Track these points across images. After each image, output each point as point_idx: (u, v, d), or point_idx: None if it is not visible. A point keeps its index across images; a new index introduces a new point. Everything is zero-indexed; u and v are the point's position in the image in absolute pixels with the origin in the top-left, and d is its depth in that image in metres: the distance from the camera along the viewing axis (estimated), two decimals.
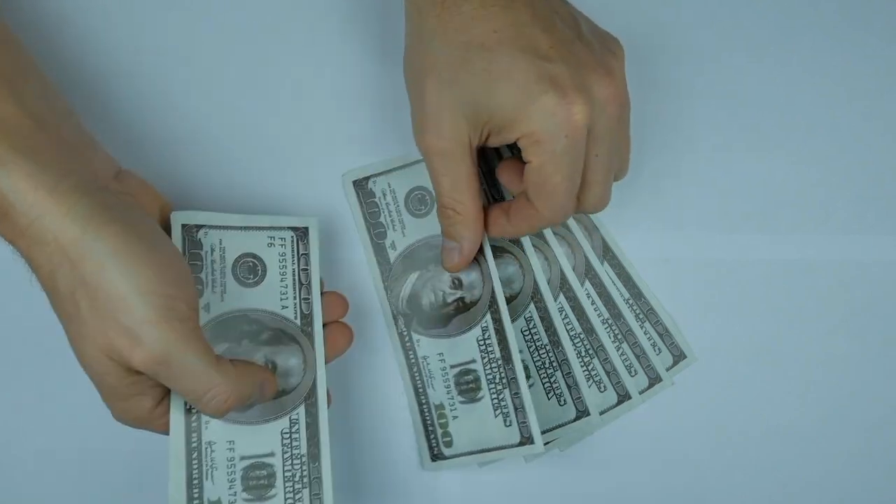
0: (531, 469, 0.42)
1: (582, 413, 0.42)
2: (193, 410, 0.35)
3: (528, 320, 0.42)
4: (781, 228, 0.45)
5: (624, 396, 0.43)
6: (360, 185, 0.42)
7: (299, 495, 0.35)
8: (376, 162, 0.43)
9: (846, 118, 0.46)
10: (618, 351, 0.43)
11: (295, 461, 0.35)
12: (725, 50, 0.46)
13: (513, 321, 0.41)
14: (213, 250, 0.37)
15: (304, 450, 0.36)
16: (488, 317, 0.41)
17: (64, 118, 0.34)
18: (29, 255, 0.31)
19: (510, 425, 0.39)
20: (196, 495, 0.34)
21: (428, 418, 0.41)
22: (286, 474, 0.35)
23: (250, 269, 0.37)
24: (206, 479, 0.34)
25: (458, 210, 0.36)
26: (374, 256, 0.42)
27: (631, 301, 0.44)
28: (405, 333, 0.41)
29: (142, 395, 0.33)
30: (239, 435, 0.35)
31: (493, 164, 0.42)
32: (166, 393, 0.34)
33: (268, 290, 0.37)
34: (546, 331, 0.42)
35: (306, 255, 0.38)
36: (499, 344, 0.40)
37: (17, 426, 0.41)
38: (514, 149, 0.38)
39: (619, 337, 0.43)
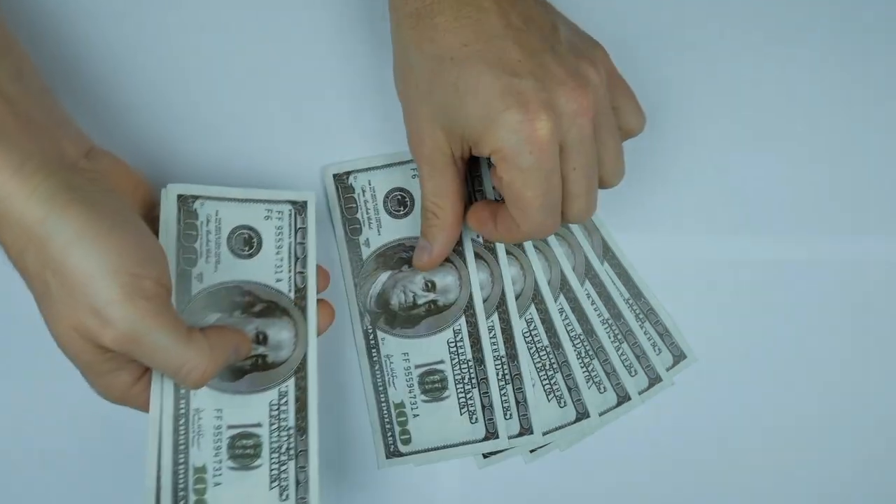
0: (531, 469, 0.43)
1: (582, 415, 0.42)
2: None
3: (529, 322, 0.42)
4: (781, 229, 0.45)
5: (624, 398, 0.43)
6: (340, 180, 0.42)
7: (284, 467, 0.36)
8: (358, 158, 0.42)
9: (846, 118, 0.46)
10: (618, 351, 0.43)
11: (282, 433, 0.36)
12: (725, 50, 0.46)
13: (513, 323, 0.42)
14: (208, 221, 0.37)
15: (291, 422, 0.36)
16: (462, 320, 0.41)
17: (37, 98, 0.34)
18: None
19: (476, 422, 0.40)
20: (182, 460, 0.35)
21: (386, 416, 0.41)
22: (272, 445, 0.36)
23: (245, 241, 0.38)
24: (193, 445, 0.35)
25: (437, 214, 0.38)
26: (346, 252, 0.42)
27: (631, 301, 0.44)
28: (370, 331, 0.41)
29: (119, 371, 0.33)
30: (227, 404, 0.36)
31: (484, 168, 0.42)
32: (145, 370, 0.34)
33: (263, 262, 0.38)
34: (546, 332, 0.42)
35: (303, 228, 0.38)
36: (472, 346, 0.41)
37: (15, 424, 0.41)
38: None
39: (619, 337, 0.44)
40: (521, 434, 0.41)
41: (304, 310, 0.37)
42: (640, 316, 0.44)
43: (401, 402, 0.41)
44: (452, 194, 0.37)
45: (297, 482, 0.36)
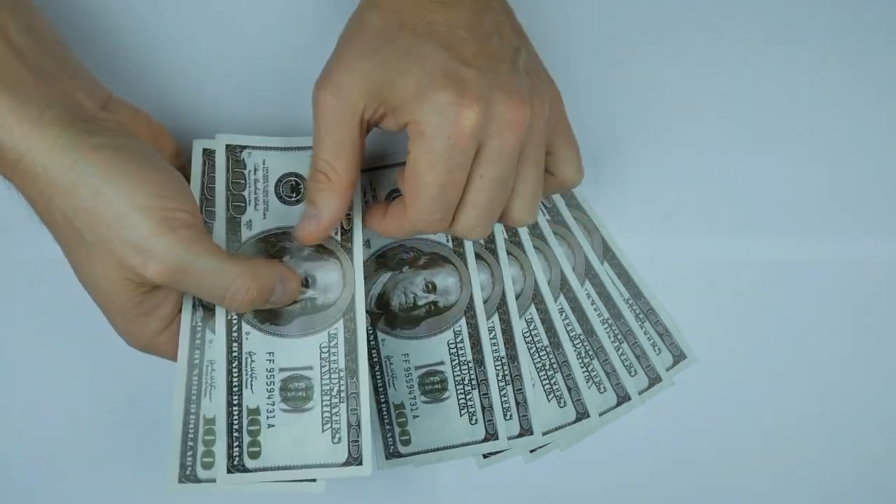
0: (531, 469, 0.43)
1: (582, 415, 0.42)
2: (234, 322, 0.36)
3: (529, 322, 0.42)
4: (781, 229, 0.45)
5: (624, 398, 0.43)
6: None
7: (336, 409, 0.36)
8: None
9: (847, 118, 0.46)
10: (618, 351, 0.43)
11: (333, 375, 0.36)
12: (725, 50, 0.46)
13: (513, 323, 0.42)
14: (256, 170, 0.38)
15: (342, 364, 0.36)
16: (463, 322, 0.41)
17: (49, 50, 0.34)
18: (23, 189, 0.31)
19: (476, 423, 0.40)
20: (236, 402, 0.35)
21: (386, 417, 0.41)
22: (324, 388, 0.36)
23: (293, 188, 0.39)
24: (246, 387, 0.35)
25: (329, 176, 0.34)
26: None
27: (631, 301, 0.44)
28: (370, 332, 0.41)
29: (149, 316, 0.34)
30: (279, 347, 0.36)
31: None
32: (174, 316, 0.35)
33: None
34: (546, 332, 0.42)
35: None
36: (472, 348, 0.41)
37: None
38: None
39: (619, 337, 0.44)
40: (521, 435, 0.41)
41: (350, 251, 0.38)
42: (640, 316, 0.44)
43: (401, 403, 0.41)
44: (350, 156, 0.34)
45: (349, 425, 0.36)
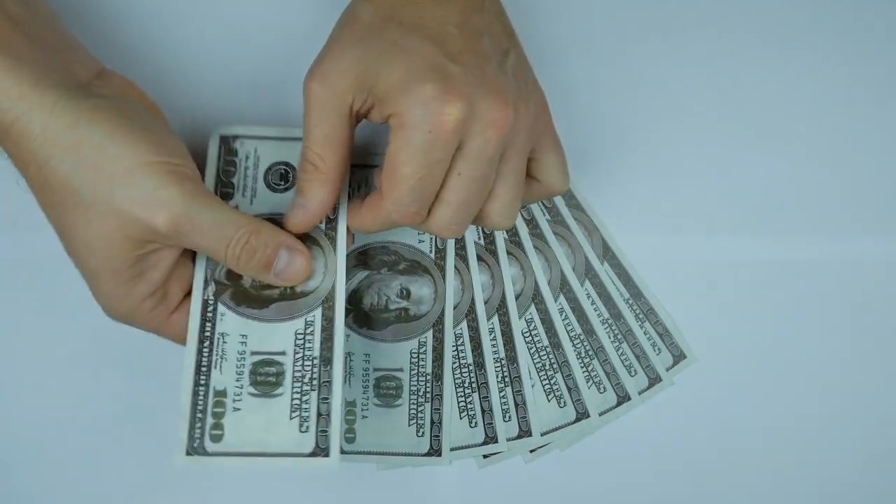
0: (531, 469, 0.43)
1: (582, 415, 0.42)
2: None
3: (529, 322, 0.42)
4: (781, 229, 0.45)
5: (624, 397, 0.43)
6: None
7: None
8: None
9: (847, 118, 0.46)
10: (618, 351, 0.43)
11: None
12: (725, 50, 0.46)
13: (513, 325, 0.42)
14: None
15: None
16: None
17: (45, 21, 0.34)
18: (16, 151, 0.31)
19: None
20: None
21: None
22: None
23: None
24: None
25: (318, 166, 0.34)
26: None
27: (631, 301, 0.44)
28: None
29: (140, 278, 0.33)
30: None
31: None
32: (162, 282, 0.35)
33: None
34: (546, 332, 0.42)
35: None
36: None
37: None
38: None
39: (619, 337, 0.44)
40: (520, 436, 0.41)
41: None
42: (640, 316, 0.44)
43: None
44: (340, 147, 0.34)
45: (432, 422, 0.40)
